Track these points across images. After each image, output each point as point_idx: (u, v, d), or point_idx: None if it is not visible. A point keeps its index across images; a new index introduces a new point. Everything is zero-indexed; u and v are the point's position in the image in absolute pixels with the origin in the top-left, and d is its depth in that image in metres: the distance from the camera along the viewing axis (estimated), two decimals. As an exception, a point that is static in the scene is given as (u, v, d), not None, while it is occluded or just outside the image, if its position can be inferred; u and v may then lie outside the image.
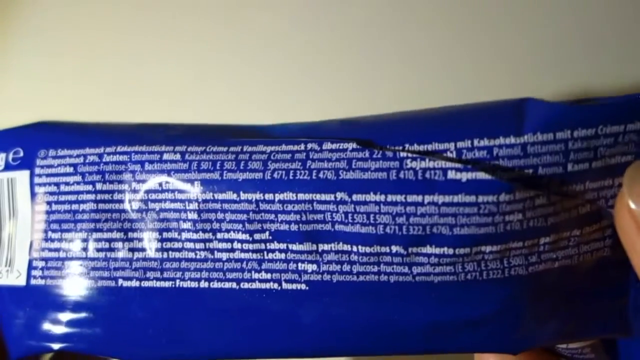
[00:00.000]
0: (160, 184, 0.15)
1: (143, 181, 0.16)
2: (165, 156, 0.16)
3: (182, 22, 0.33)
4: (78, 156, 0.16)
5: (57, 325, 0.16)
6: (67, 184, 0.16)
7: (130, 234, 0.16)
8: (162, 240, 0.16)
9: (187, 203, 0.15)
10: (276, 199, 0.15)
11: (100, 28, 0.34)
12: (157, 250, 0.16)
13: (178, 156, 0.15)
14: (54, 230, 0.16)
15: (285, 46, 0.30)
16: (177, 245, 0.16)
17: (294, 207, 0.14)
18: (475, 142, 0.14)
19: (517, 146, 0.13)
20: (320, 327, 0.15)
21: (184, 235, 0.16)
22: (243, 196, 0.15)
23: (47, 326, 0.16)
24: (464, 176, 0.13)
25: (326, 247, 0.15)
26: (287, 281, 0.15)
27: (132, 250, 0.16)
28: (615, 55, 0.25)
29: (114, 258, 0.16)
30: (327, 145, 0.15)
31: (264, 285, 0.15)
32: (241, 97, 0.31)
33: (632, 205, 0.13)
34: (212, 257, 0.15)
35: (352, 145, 0.14)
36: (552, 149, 0.13)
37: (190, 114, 0.31)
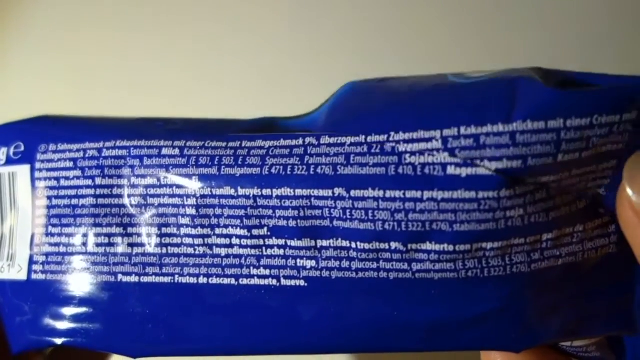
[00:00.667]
0: (159, 179, 0.15)
1: (142, 176, 0.16)
2: (164, 151, 0.15)
3: (182, 20, 0.33)
4: (78, 150, 0.16)
5: (58, 320, 0.16)
6: (67, 178, 0.16)
7: (129, 229, 0.16)
8: (161, 235, 0.16)
9: (185, 198, 0.15)
10: (274, 195, 0.14)
11: (99, 26, 0.34)
12: (156, 245, 0.16)
13: (177, 151, 0.15)
14: (54, 225, 0.16)
15: (284, 45, 0.30)
16: (176, 240, 0.16)
17: (291, 202, 0.14)
18: (462, 130, 0.13)
19: (505, 134, 0.13)
20: (320, 323, 0.15)
21: (183, 230, 0.15)
22: (241, 192, 0.15)
23: (48, 321, 0.16)
24: (464, 172, 0.13)
25: (325, 243, 0.15)
26: (285, 277, 0.15)
27: (131, 245, 0.16)
28: (615, 55, 0.24)
29: (114, 253, 0.16)
30: (325, 140, 0.14)
31: (262, 282, 0.15)
32: (239, 94, 0.31)
33: (633, 198, 0.12)
34: (211, 252, 0.15)
35: (350, 140, 0.14)
36: (543, 139, 0.13)
37: (189, 111, 0.31)
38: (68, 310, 0.16)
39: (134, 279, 0.16)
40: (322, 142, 0.14)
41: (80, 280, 0.16)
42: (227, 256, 0.15)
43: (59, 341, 0.16)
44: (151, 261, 0.16)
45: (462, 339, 0.14)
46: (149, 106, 0.31)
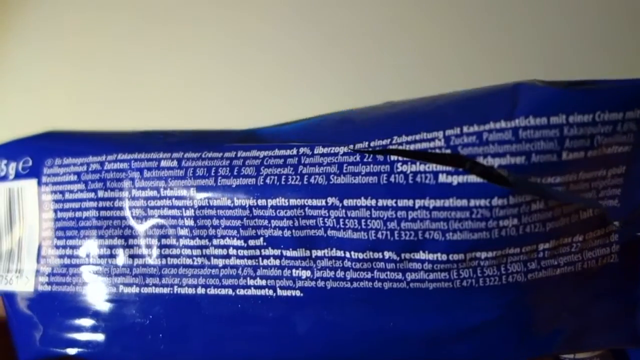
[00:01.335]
0: (159, 191, 0.16)
1: (142, 188, 0.16)
2: (163, 163, 0.16)
3: (179, 27, 0.33)
4: (82, 164, 0.17)
5: (63, 330, 0.17)
6: (71, 191, 0.17)
7: (130, 241, 0.16)
8: (160, 246, 0.16)
9: (184, 210, 0.15)
10: (269, 205, 0.14)
11: (98, 33, 0.35)
12: (156, 256, 0.16)
13: (175, 163, 0.16)
14: (59, 237, 0.17)
15: (280, 50, 0.30)
16: (175, 251, 0.16)
17: (286, 212, 0.14)
18: (465, 128, 0.13)
19: (508, 130, 0.13)
20: (315, 333, 0.15)
21: (182, 241, 0.16)
22: (237, 202, 0.15)
23: (53, 332, 0.17)
24: (455, 179, 0.13)
25: (319, 253, 0.15)
26: (281, 288, 0.15)
27: (132, 256, 0.16)
28: (616, 55, 0.24)
29: (115, 265, 0.16)
30: (319, 150, 0.14)
31: (259, 292, 0.15)
32: (236, 100, 0.31)
33: None
34: (209, 263, 0.15)
35: (343, 149, 0.14)
36: (546, 135, 0.12)
37: (186, 116, 0.31)
38: (72, 321, 0.16)
39: (134, 289, 0.16)
40: (315, 151, 0.14)
41: (84, 292, 0.16)
42: (225, 267, 0.15)
43: (64, 351, 0.16)
44: (151, 272, 0.16)
45: (459, 349, 0.14)
46: (147, 110, 0.32)
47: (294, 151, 0.15)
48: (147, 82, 0.33)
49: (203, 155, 0.15)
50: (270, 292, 0.15)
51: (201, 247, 0.15)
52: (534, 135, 0.12)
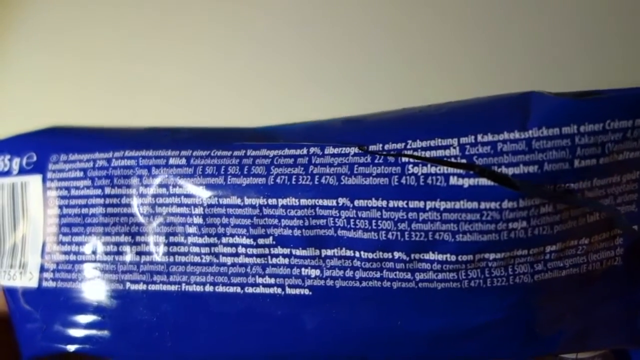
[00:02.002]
0: (167, 189, 0.16)
1: (150, 186, 0.16)
2: (171, 161, 0.16)
3: (184, 23, 0.33)
4: (88, 161, 0.17)
5: (68, 327, 0.16)
6: (77, 188, 0.17)
7: (137, 238, 0.16)
8: (168, 244, 0.16)
9: (192, 208, 0.15)
10: (279, 204, 0.15)
11: (101, 28, 0.35)
12: (163, 254, 0.16)
13: (183, 161, 0.16)
14: (64, 234, 0.17)
15: (286, 46, 0.30)
16: (183, 249, 0.16)
17: (296, 212, 0.14)
18: (479, 137, 0.13)
19: (521, 141, 0.13)
20: (324, 332, 0.15)
21: (190, 239, 0.16)
22: (247, 201, 0.15)
23: (58, 328, 0.17)
24: (466, 182, 0.13)
25: (329, 252, 0.15)
26: (290, 286, 0.15)
27: (139, 254, 0.16)
28: (615, 55, 0.24)
29: (122, 261, 0.16)
30: (329, 150, 0.15)
31: (268, 290, 0.15)
32: (242, 97, 0.31)
33: None
34: (217, 261, 0.16)
35: (354, 150, 0.14)
36: (558, 144, 0.13)
37: (190, 113, 0.31)
38: (77, 318, 0.16)
39: (141, 287, 0.16)
40: (326, 152, 0.15)
41: (89, 288, 0.16)
42: (233, 265, 0.15)
43: (68, 348, 0.16)
44: (159, 269, 0.16)
45: (466, 348, 0.14)
46: (151, 106, 0.32)
47: (304, 151, 0.15)
48: (152, 76, 0.33)
49: (212, 154, 0.15)
50: (279, 290, 0.15)
51: (210, 245, 0.15)
52: (547, 145, 0.13)
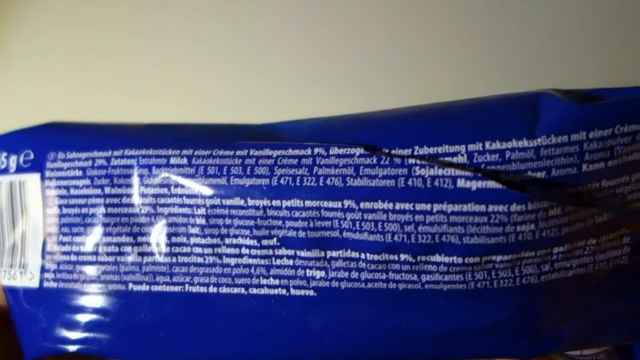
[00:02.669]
0: (169, 189, 0.15)
1: (151, 185, 0.16)
2: (172, 160, 0.15)
3: (183, 22, 0.32)
4: (87, 159, 0.16)
5: (70, 327, 0.16)
6: (76, 187, 0.16)
7: (139, 238, 0.16)
8: (171, 244, 0.16)
9: (195, 208, 0.15)
10: (283, 205, 0.14)
11: (100, 27, 0.34)
12: (166, 254, 0.16)
13: (185, 160, 0.15)
14: (64, 234, 0.16)
15: (287, 46, 0.30)
16: (185, 249, 0.16)
17: (301, 213, 0.14)
18: (487, 144, 0.13)
19: (530, 150, 0.13)
20: (329, 333, 0.15)
21: (193, 240, 0.15)
22: (250, 202, 0.15)
23: (60, 328, 0.16)
24: (474, 185, 0.13)
25: (334, 254, 0.15)
26: (295, 287, 0.15)
27: (141, 254, 0.16)
28: (615, 55, 0.24)
29: (124, 262, 0.16)
30: (334, 150, 0.14)
31: (272, 291, 0.15)
32: (242, 96, 0.30)
33: None
34: (221, 262, 0.15)
35: (359, 151, 0.14)
36: (566, 151, 0.13)
37: (190, 111, 0.31)
38: (80, 318, 0.16)
39: (144, 287, 0.16)
40: (331, 152, 0.14)
41: (91, 289, 0.16)
42: (237, 266, 0.15)
43: (71, 348, 0.16)
44: (161, 270, 0.16)
45: (472, 348, 0.14)
46: (150, 106, 0.31)
47: (309, 151, 0.14)
48: (152, 75, 0.32)
49: (214, 153, 0.15)
50: (284, 291, 0.15)
51: (213, 246, 0.15)
52: (555, 152, 0.13)
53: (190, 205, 0.15)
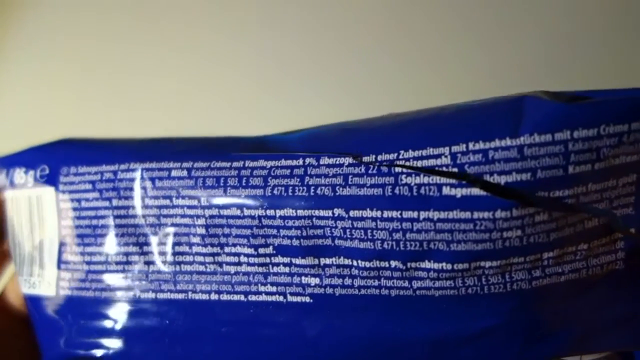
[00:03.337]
0: (171, 200, 0.16)
1: (155, 197, 0.16)
2: (174, 173, 0.16)
3: (182, 31, 0.33)
4: (96, 173, 0.17)
5: (82, 333, 0.17)
6: (87, 200, 0.17)
7: (145, 248, 0.17)
8: (174, 254, 0.16)
9: (195, 218, 0.16)
10: (277, 215, 0.15)
11: (100, 35, 0.35)
12: (170, 263, 0.16)
13: (185, 172, 0.16)
14: (77, 244, 0.17)
15: (285, 55, 0.30)
16: (188, 258, 0.16)
17: (294, 222, 0.15)
18: (470, 145, 0.13)
19: (513, 148, 0.13)
20: (325, 339, 0.15)
21: (195, 249, 0.16)
22: (246, 212, 0.15)
23: (75, 335, 0.17)
24: (459, 192, 0.13)
25: (327, 261, 0.15)
26: (292, 294, 0.15)
27: (147, 263, 0.17)
28: (615, 55, 0.24)
29: (132, 271, 0.17)
30: (325, 160, 0.15)
31: (270, 298, 0.16)
32: (240, 105, 0.31)
33: None
34: (221, 270, 0.16)
35: (348, 160, 0.14)
36: (551, 151, 0.13)
37: (189, 121, 0.31)
38: (92, 324, 0.17)
39: (150, 295, 0.17)
40: (321, 162, 0.15)
41: (102, 297, 0.17)
42: (236, 273, 0.16)
43: (86, 353, 0.17)
44: (166, 278, 0.16)
45: (466, 353, 0.15)
46: (149, 113, 0.32)
47: (300, 161, 0.15)
48: (149, 82, 0.33)
49: (212, 165, 0.16)
50: (281, 298, 0.15)
51: (213, 255, 0.16)
52: (539, 152, 0.13)
53: (191, 216, 0.16)
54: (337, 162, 0.14)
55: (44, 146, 0.18)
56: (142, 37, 0.34)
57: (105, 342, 0.17)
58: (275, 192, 0.15)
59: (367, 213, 0.14)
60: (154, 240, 0.16)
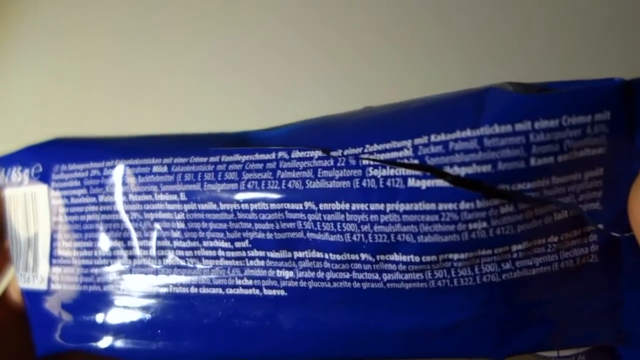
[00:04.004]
0: (152, 196, 0.16)
1: (138, 193, 0.17)
2: (155, 169, 0.16)
3: (183, 27, 0.33)
4: (84, 170, 0.17)
5: (73, 327, 0.18)
6: (75, 196, 0.18)
7: (129, 243, 0.17)
8: (157, 248, 0.17)
9: (175, 213, 0.16)
10: (251, 209, 0.15)
11: (100, 32, 0.36)
12: (152, 258, 0.17)
13: (165, 168, 0.16)
14: (67, 240, 0.18)
15: (286, 53, 0.31)
16: (170, 253, 0.16)
17: (267, 216, 0.15)
18: (432, 137, 0.13)
19: (473, 139, 0.13)
20: (300, 331, 0.15)
21: (175, 243, 0.16)
22: (222, 206, 0.15)
23: (65, 327, 0.18)
24: (424, 184, 0.13)
25: (300, 254, 0.15)
26: (267, 287, 0.16)
27: (131, 258, 0.17)
28: (615, 55, 0.23)
29: (117, 265, 0.17)
30: (296, 154, 0.15)
31: (247, 291, 0.16)
32: (242, 101, 0.31)
33: None
34: (201, 264, 0.16)
35: (318, 154, 0.14)
36: (511, 142, 0.12)
37: (190, 116, 0.32)
38: (82, 318, 0.18)
39: (135, 288, 0.17)
40: (292, 156, 0.15)
41: (90, 290, 0.18)
42: (214, 267, 0.16)
43: (75, 346, 0.18)
44: (149, 272, 0.17)
45: (439, 346, 0.14)
46: (149, 111, 0.33)
47: (273, 155, 0.15)
48: (150, 79, 0.34)
49: (190, 161, 0.16)
50: (257, 291, 0.16)
51: (193, 249, 0.16)
52: (500, 143, 0.12)
53: (171, 211, 0.16)
54: (307, 156, 0.15)
55: (39, 145, 0.19)
56: (144, 34, 0.34)
57: (94, 335, 0.17)
58: (249, 186, 0.15)
59: (336, 206, 0.14)
60: (137, 235, 0.17)
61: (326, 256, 0.15)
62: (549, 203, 0.13)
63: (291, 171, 0.15)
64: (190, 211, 0.16)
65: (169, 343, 0.17)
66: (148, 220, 0.17)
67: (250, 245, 0.15)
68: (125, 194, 0.17)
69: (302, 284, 0.15)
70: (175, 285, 0.16)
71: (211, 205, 0.15)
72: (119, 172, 0.17)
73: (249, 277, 0.16)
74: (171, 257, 0.16)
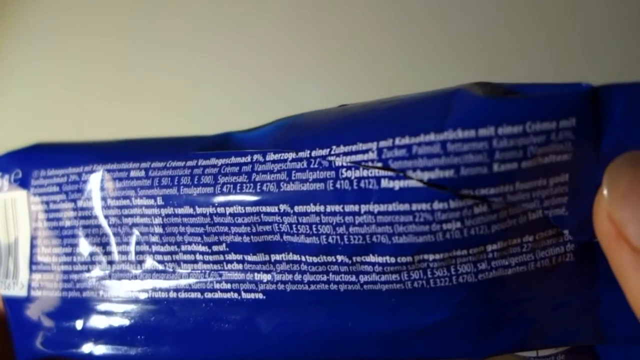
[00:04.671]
0: (130, 200, 0.16)
1: (116, 197, 0.17)
2: (132, 173, 0.16)
3: (183, 28, 0.33)
4: (63, 175, 0.17)
5: (53, 333, 0.18)
6: (54, 202, 0.18)
7: (108, 248, 0.17)
8: (136, 253, 0.17)
9: (153, 218, 0.16)
10: (227, 212, 0.15)
11: (101, 34, 0.36)
12: (131, 263, 0.17)
13: (142, 173, 0.16)
14: (46, 246, 0.18)
15: (280, 50, 0.30)
16: (148, 257, 0.16)
17: (243, 219, 0.15)
18: (397, 140, 0.13)
19: (436, 144, 0.12)
20: (279, 335, 0.15)
21: (154, 248, 0.16)
22: (198, 210, 0.15)
23: (45, 334, 0.18)
24: (397, 184, 0.13)
25: (278, 257, 0.15)
26: (245, 291, 0.15)
27: (110, 263, 0.17)
28: (614, 55, 0.23)
29: (96, 270, 0.17)
30: (270, 156, 0.15)
31: (225, 295, 0.16)
32: (238, 99, 0.31)
33: (612, 209, 0.12)
34: (180, 268, 0.16)
35: (292, 156, 0.14)
36: (474, 148, 0.12)
37: (189, 118, 0.32)
38: (60, 324, 0.18)
39: (114, 294, 0.17)
40: (267, 158, 0.15)
41: (70, 297, 0.17)
42: (193, 271, 0.16)
43: (55, 352, 0.18)
44: (129, 277, 0.17)
45: (417, 348, 0.14)
46: (149, 112, 0.33)
47: (248, 158, 0.15)
48: (150, 80, 0.34)
49: (167, 165, 0.16)
50: (236, 295, 0.16)
51: (171, 253, 0.16)
52: (463, 148, 0.12)
53: (149, 215, 0.16)
54: (281, 158, 0.14)
55: (19, 151, 0.19)
56: (145, 34, 0.34)
57: (75, 341, 0.17)
58: (224, 189, 0.15)
59: (311, 208, 0.14)
60: (116, 240, 0.17)
61: (303, 259, 0.15)
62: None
63: (266, 174, 0.15)
64: (167, 215, 0.16)
65: (149, 348, 0.16)
66: (126, 225, 0.17)
67: (227, 249, 0.15)
68: (104, 198, 0.17)
69: (280, 287, 0.15)
70: (154, 290, 0.16)
71: (188, 210, 0.15)
72: (97, 177, 0.17)
73: (227, 281, 0.16)
74: (150, 262, 0.16)
